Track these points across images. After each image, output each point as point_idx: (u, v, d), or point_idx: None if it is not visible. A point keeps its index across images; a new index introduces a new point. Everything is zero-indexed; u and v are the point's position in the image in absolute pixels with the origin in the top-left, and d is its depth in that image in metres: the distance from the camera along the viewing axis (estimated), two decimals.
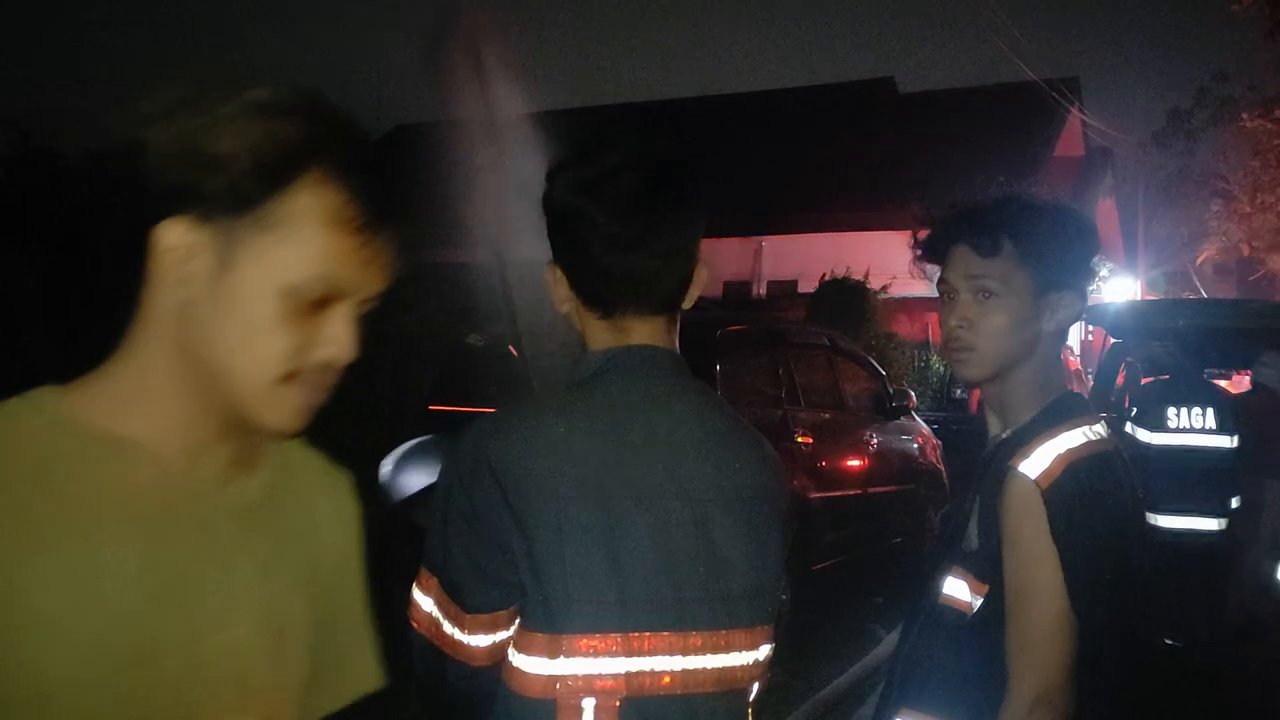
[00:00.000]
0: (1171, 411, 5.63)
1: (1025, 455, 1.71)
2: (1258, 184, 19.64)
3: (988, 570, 1.72)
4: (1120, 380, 7.42)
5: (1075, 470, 1.68)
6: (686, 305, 1.58)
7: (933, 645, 1.80)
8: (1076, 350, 19.57)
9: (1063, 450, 1.70)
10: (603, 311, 1.51)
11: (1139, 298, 20.11)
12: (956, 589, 1.77)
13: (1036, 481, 1.68)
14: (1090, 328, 18.45)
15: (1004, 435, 1.84)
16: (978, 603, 1.73)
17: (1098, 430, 1.77)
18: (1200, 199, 22.51)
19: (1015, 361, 1.82)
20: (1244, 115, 19.61)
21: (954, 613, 1.76)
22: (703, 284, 1.58)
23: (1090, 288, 1.83)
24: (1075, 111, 21.97)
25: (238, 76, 1.08)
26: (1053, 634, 1.65)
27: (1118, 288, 21.39)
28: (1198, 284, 23.63)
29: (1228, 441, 5.61)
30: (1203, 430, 5.56)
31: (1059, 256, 1.80)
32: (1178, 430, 5.61)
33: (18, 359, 4.57)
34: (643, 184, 1.47)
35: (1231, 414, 5.70)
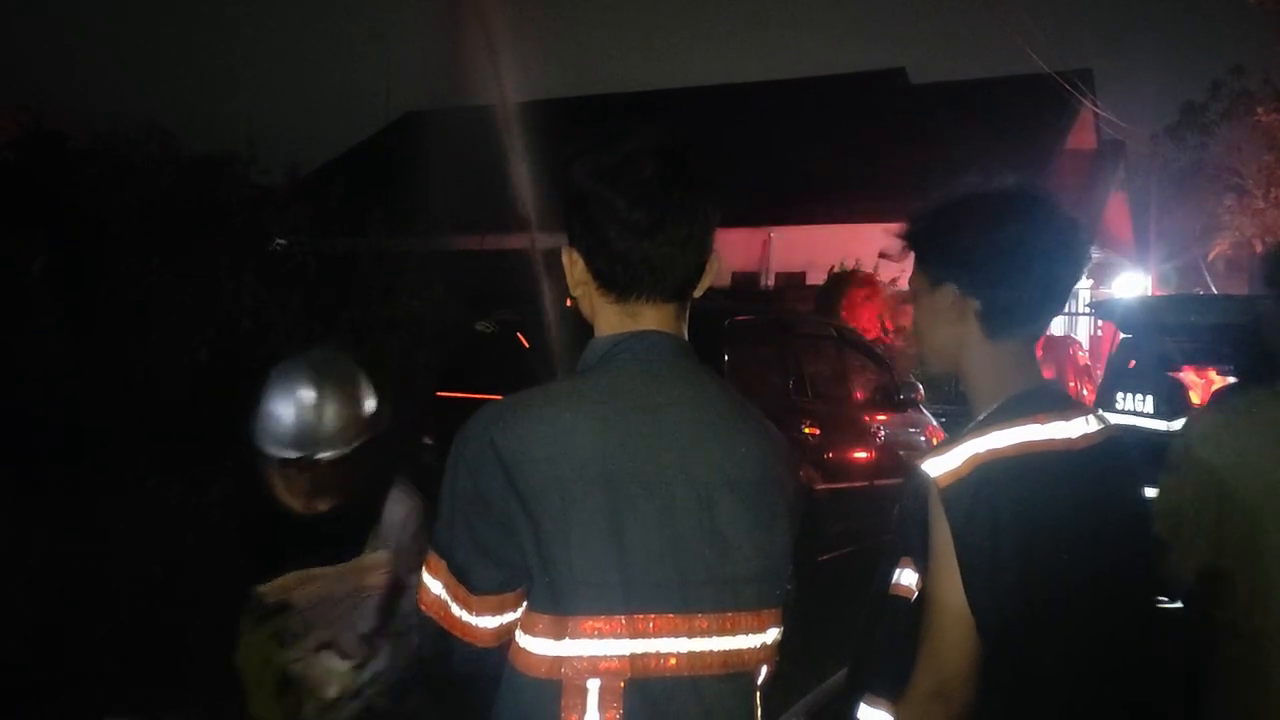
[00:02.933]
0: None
1: (939, 453, 1.71)
2: (1272, 178, 19.55)
3: (922, 562, 1.74)
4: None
5: (986, 470, 1.67)
6: (697, 294, 1.60)
7: (887, 633, 1.81)
8: (1086, 345, 19.53)
9: (981, 450, 1.69)
10: (616, 296, 1.53)
11: (1150, 293, 20.03)
12: (905, 578, 1.80)
13: (937, 480, 1.68)
14: (1100, 323, 18.41)
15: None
16: (918, 592, 1.76)
17: (1052, 428, 1.74)
18: (1213, 193, 22.41)
19: (948, 355, 1.85)
20: (1259, 109, 19.52)
21: (903, 601, 1.78)
22: (714, 274, 1.60)
23: (986, 274, 1.77)
24: (1088, 104, 21.87)
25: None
26: (948, 631, 1.66)
27: (1128, 282, 21.31)
28: (1209, 279, 23.52)
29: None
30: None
31: (937, 252, 1.82)
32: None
33: (26, 341, 4.58)
34: (662, 172, 1.50)
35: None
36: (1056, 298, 1.82)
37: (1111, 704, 1.72)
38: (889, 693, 1.79)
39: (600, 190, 1.49)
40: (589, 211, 1.50)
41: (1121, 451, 1.82)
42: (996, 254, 1.77)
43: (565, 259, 1.57)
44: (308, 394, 2.55)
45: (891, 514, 1.94)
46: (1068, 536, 1.70)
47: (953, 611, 1.65)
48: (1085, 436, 1.76)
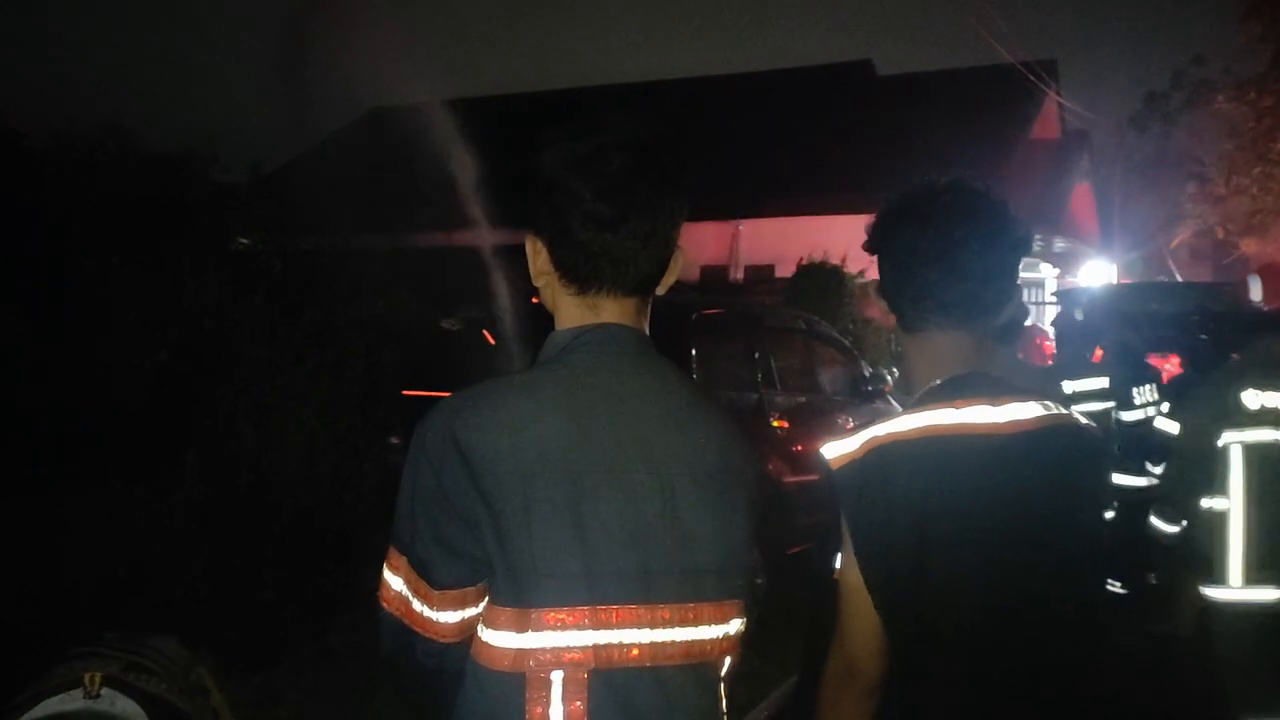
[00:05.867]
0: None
1: (840, 438, 1.77)
2: (1232, 167, 19.70)
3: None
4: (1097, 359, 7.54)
5: (881, 453, 1.72)
6: (660, 291, 1.61)
7: (829, 618, 1.84)
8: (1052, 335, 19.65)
9: (881, 434, 1.75)
10: (578, 288, 1.54)
11: (1114, 281, 20.21)
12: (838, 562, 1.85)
13: (830, 462, 1.75)
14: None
15: None
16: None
17: (970, 413, 1.76)
18: (1176, 182, 22.59)
19: (902, 348, 1.96)
20: (1220, 98, 19.68)
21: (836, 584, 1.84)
22: (679, 270, 1.61)
23: (895, 264, 1.86)
24: (1052, 94, 22.01)
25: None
26: (852, 610, 1.72)
27: (1094, 271, 21.48)
28: (1173, 267, 23.75)
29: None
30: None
31: (870, 245, 1.91)
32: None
33: None
34: (630, 165, 1.51)
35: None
36: (995, 285, 1.84)
37: (1020, 686, 1.71)
38: None
39: (567, 179, 1.50)
40: (554, 200, 1.51)
41: (1064, 439, 1.82)
42: (901, 238, 1.85)
43: (529, 248, 1.57)
44: None
45: None
46: (974, 520, 1.71)
47: (854, 590, 1.71)
48: (1016, 423, 1.77)
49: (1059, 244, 21.25)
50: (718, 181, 17.47)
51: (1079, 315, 5.69)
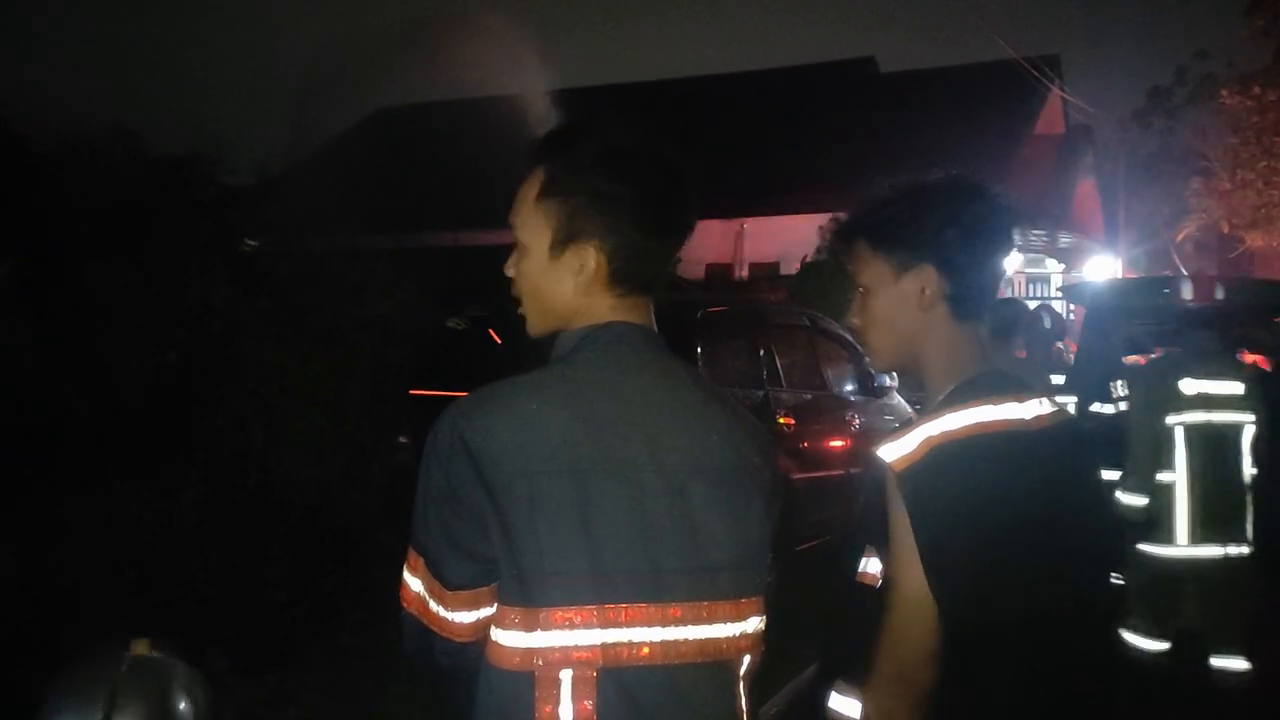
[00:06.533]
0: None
1: (894, 439, 1.74)
2: (1237, 161, 19.69)
3: (884, 548, 1.77)
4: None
5: (940, 453, 1.70)
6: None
7: (855, 621, 1.87)
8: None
9: (934, 433, 1.72)
10: (624, 289, 1.56)
11: (1119, 276, 20.18)
12: (870, 566, 1.86)
13: (892, 465, 1.71)
14: (1073, 306, 18.52)
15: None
16: (883, 579, 1.79)
17: (1006, 409, 1.77)
18: (1180, 177, 22.57)
19: (909, 343, 1.88)
20: (1223, 92, 19.65)
21: (868, 589, 1.85)
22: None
23: (958, 255, 1.82)
24: (1056, 90, 21.99)
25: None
26: (908, 614, 1.68)
27: (1099, 266, 21.45)
28: (1178, 262, 23.69)
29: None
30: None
31: (904, 235, 1.84)
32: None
33: None
34: (667, 168, 1.56)
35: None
36: (1000, 280, 1.90)
37: (1064, 682, 1.73)
38: (859, 680, 1.80)
39: (614, 188, 1.52)
40: (602, 207, 1.53)
41: (1075, 431, 1.87)
42: (967, 236, 1.81)
43: (577, 257, 1.55)
44: None
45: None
46: (1021, 515, 1.71)
47: (912, 595, 1.67)
48: (1039, 418, 1.78)
49: (1064, 239, 21.23)
50: (722, 180, 17.45)
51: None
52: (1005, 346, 5.15)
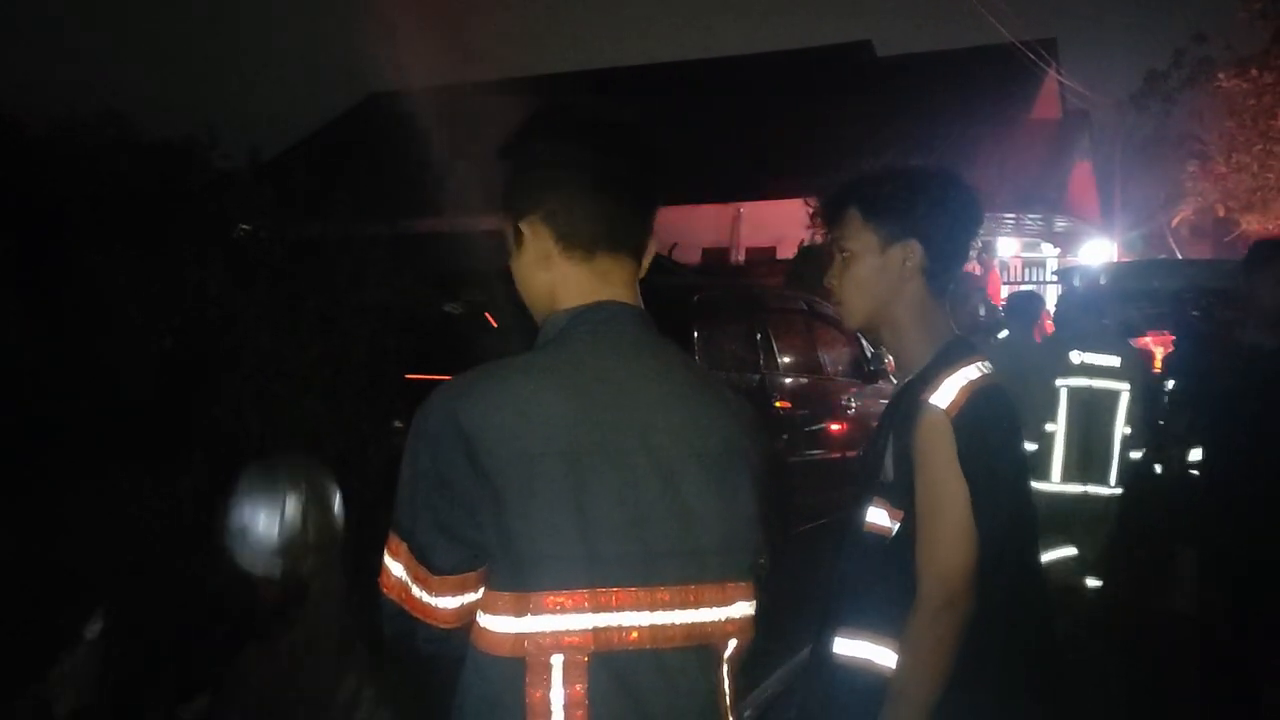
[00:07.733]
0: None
1: (934, 389, 1.97)
2: (1233, 144, 19.64)
3: (903, 497, 1.98)
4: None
5: (976, 399, 1.96)
6: (641, 273, 1.63)
7: (861, 570, 2.06)
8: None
9: (964, 382, 1.98)
10: (584, 253, 1.55)
11: (1115, 259, 20.19)
12: (878, 516, 2.03)
13: (945, 411, 1.95)
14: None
15: (909, 378, 2.10)
16: (896, 527, 2.00)
17: (987, 366, 2.04)
18: (1176, 160, 22.51)
19: (883, 308, 2.12)
20: (1220, 75, 19.60)
21: (876, 538, 2.03)
22: (652, 253, 1.65)
23: (941, 235, 2.08)
24: (1052, 73, 21.95)
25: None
26: (958, 545, 1.91)
27: (1095, 250, 21.45)
28: (1174, 245, 23.69)
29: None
30: None
31: (898, 211, 2.07)
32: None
33: None
34: (624, 138, 1.58)
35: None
36: (964, 263, 2.22)
37: (1040, 587, 2.14)
38: (867, 625, 2.00)
39: (572, 154, 1.54)
40: (558, 175, 1.54)
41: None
42: (952, 220, 2.09)
43: (527, 231, 1.56)
44: (293, 507, 2.63)
45: None
46: (1020, 455, 2.12)
47: (961, 528, 1.91)
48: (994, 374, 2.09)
49: (1060, 223, 21.21)
50: (718, 163, 17.45)
51: (1077, 282, 6.63)
52: (1025, 331, 6.25)
